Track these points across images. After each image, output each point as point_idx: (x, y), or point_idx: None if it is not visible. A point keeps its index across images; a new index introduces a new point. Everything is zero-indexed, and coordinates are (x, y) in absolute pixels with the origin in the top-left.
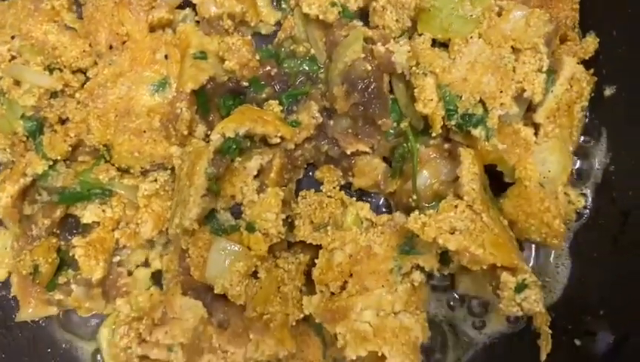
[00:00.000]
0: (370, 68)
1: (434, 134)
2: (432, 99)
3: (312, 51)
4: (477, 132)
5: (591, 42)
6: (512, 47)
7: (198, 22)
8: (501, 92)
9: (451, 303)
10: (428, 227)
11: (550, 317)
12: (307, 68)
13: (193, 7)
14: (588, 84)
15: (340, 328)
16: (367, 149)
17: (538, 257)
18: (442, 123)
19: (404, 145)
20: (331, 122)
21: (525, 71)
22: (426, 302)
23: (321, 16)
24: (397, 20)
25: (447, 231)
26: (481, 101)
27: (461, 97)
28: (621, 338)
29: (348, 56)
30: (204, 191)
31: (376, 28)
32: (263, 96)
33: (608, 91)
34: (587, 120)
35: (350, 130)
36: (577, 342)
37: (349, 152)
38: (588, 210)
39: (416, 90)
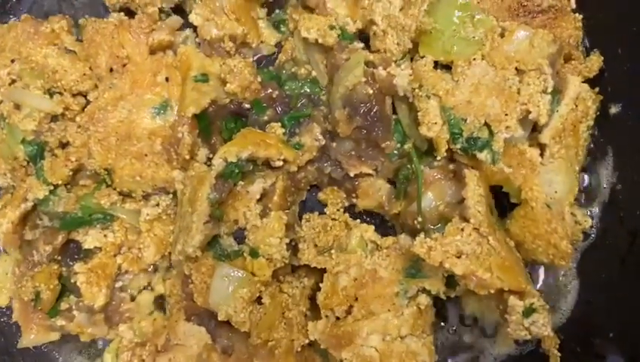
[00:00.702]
0: (371, 91)
1: (438, 158)
2: (436, 123)
3: (314, 73)
4: (483, 156)
5: (595, 60)
6: (516, 68)
7: (199, 43)
8: (506, 115)
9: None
10: (434, 251)
11: (559, 339)
12: (309, 90)
13: (194, 28)
14: (593, 103)
15: (345, 353)
16: (371, 171)
17: (547, 276)
18: (447, 146)
19: (408, 166)
20: (334, 144)
21: (530, 92)
22: (432, 324)
23: (320, 40)
24: (398, 44)
25: (454, 255)
26: (486, 124)
27: (466, 120)
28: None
29: (349, 81)
30: (206, 218)
31: (377, 52)
32: (265, 118)
33: (614, 109)
34: (593, 138)
35: (353, 153)
36: None
37: (352, 174)
38: (595, 230)
39: (419, 114)
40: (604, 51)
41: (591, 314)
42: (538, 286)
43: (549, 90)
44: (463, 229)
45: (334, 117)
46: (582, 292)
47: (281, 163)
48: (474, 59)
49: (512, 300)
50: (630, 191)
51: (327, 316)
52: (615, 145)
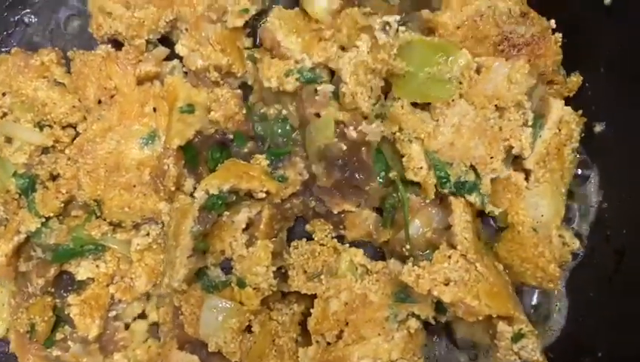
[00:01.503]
0: (345, 147)
1: (428, 200)
2: (421, 167)
3: (284, 112)
4: (472, 198)
5: (575, 81)
6: (495, 105)
7: (186, 73)
8: (491, 158)
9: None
10: (422, 279)
11: (549, 358)
12: (280, 130)
13: (181, 58)
14: (577, 125)
15: None
16: (354, 209)
17: (539, 295)
18: (435, 189)
19: (394, 195)
20: (315, 184)
21: (511, 128)
22: (422, 347)
23: (281, 88)
24: (369, 97)
25: (442, 282)
26: (472, 166)
27: (451, 164)
28: None
29: (320, 141)
30: (190, 252)
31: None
32: (245, 150)
33: (598, 127)
34: (578, 158)
35: (335, 192)
36: None
37: (335, 212)
38: (583, 250)
39: (404, 159)
40: (586, 70)
41: (580, 332)
42: (533, 302)
43: (530, 122)
44: (450, 256)
45: (312, 169)
46: (571, 311)
47: (263, 195)
48: (452, 100)
49: (501, 326)
50: (616, 209)
51: (317, 341)
52: (600, 164)
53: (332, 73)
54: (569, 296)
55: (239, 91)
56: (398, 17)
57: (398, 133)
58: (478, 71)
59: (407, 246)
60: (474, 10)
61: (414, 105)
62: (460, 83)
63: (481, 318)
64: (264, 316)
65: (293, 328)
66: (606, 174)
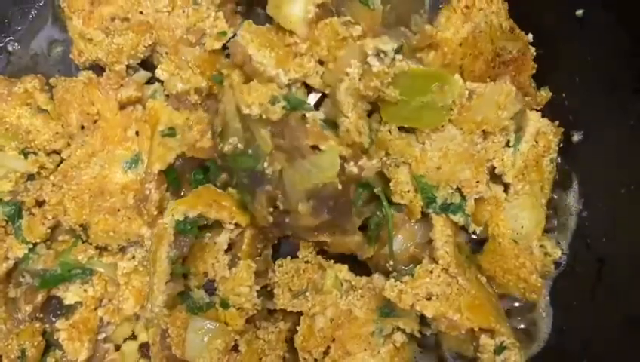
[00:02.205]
0: (341, 186)
1: (412, 221)
2: (408, 191)
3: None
4: (457, 218)
5: (544, 96)
6: (482, 130)
7: (167, 96)
8: (477, 181)
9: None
10: (405, 294)
11: None
12: (245, 165)
13: (162, 81)
14: (555, 135)
15: None
16: (329, 240)
17: (524, 306)
18: (421, 211)
19: (377, 213)
20: (287, 220)
21: (495, 150)
22: (410, 360)
23: (264, 116)
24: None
25: (424, 297)
26: (458, 188)
27: (438, 187)
28: None
29: (318, 179)
30: (167, 278)
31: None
32: (217, 183)
33: (576, 137)
34: (558, 167)
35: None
36: None
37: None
38: (565, 259)
39: (391, 183)
40: (562, 81)
41: (564, 341)
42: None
43: (512, 143)
44: (432, 271)
45: (295, 209)
46: (555, 320)
47: (232, 227)
48: (442, 126)
49: (483, 339)
50: (595, 217)
51: (305, 358)
52: (579, 173)
53: (308, 91)
54: (552, 305)
55: None
56: (395, 45)
57: (384, 158)
58: (469, 97)
59: (391, 262)
60: (473, 27)
61: (400, 128)
62: (451, 109)
63: (463, 332)
64: (250, 335)
65: (279, 346)
66: (585, 183)
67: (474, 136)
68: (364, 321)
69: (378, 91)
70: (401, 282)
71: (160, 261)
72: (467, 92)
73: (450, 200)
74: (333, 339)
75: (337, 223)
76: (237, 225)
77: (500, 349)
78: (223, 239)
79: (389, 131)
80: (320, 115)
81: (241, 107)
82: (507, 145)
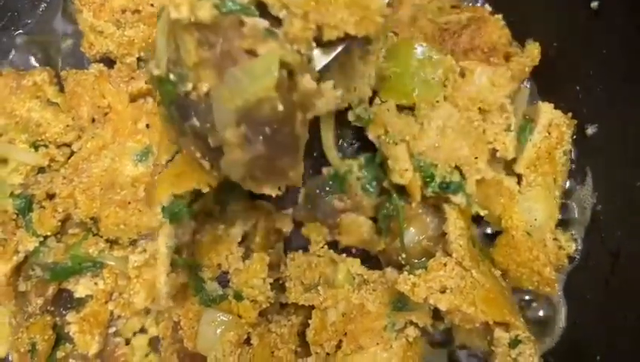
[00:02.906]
0: (282, 108)
1: (414, 204)
2: (407, 169)
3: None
4: (457, 199)
5: (533, 48)
6: (479, 108)
7: None
8: (476, 158)
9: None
10: (418, 288)
11: None
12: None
13: None
14: (568, 127)
15: None
16: (274, 193)
17: (540, 300)
18: (421, 192)
19: (387, 204)
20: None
21: (495, 131)
22: (422, 356)
23: (192, 19)
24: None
25: (438, 290)
26: (457, 167)
27: (436, 165)
28: None
29: (251, 92)
30: (168, 269)
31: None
32: None
33: (590, 130)
34: (572, 161)
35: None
36: None
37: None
38: (579, 252)
39: (389, 161)
40: (577, 74)
41: (578, 336)
42: (532, 308)
43: (512, 127)
44: (445, 264)
45: (220, 134)
46: (569, 315)
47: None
48: (437, 101)
49: (498, 332)
50: (610, 211)
51: (317, 352)
52: (594, 166)
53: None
54: (567, 299)
55: None
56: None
57: (383, 136)
58: (462, 74)
59: (403, 255)
60: (414, 8)
61: (400, 110)
62: (445, 85)
63: (478, 325)
64: (263, 328)
65: (291, 339)
66: (600, 176)
67: (471, 114)
68: (377, 315)
69: (375, 66)
70: (414, 275)
71: (159, 253)
72: (459, 69)
73: (450, 178)
74: (345, 333)
75: (277, 161)
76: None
77: (514, 343)
78: (237, 231)
79: (388, 110)
80: (264, 23)
81: (171, 12)
82: (508, 129)
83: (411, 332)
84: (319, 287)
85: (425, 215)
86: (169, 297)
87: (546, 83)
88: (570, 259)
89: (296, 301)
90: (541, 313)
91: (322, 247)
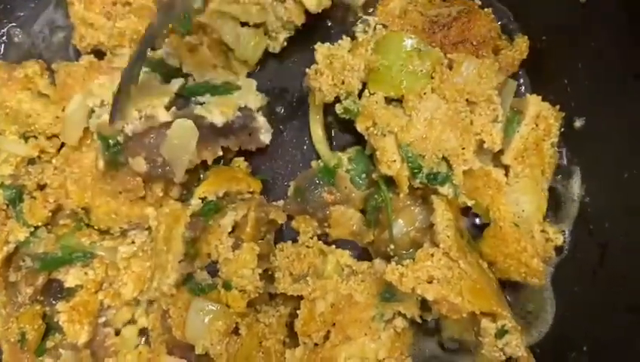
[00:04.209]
0: None
1: (401, 195)
2: (394, 161)
3: None
4: (444, 190)
5: (522, 42)
6: (466, 100)
7: None
8: (463, 148)
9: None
10: (405, 278)
11: (536, 354)
12: None
13: None
14: (555, 120)
15: None
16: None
17: (527, 292)
18: (408, 183)
19: (376, 196)
20: None
21: (482, 123)
22: (410, 346)
23: None
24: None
25: (425, 280)
26: (444, 158)
27: (424, 156)
28: None
29: None
30: (181, 257)
31: None
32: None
33: (578, 123)
34: (560, 153)
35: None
36: None
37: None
38: (567, 244)
39: (377, 153)
40: (564, 68)
41: (566, 328)
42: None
43: (500, 119)
44: (433, 255)
45: None
46: (557, 307)
47: (250, 195)
48: (424, 93)
49: (485, 322)
50: (598, 203)
51: (305, 343)
52: (582, 159)
53: None
54: (554, 292)
55: None
56: (377, 18)
57: (371, 128)
58: (450, 66)
59: (392, 246)
60: (404, 1)
61: (388, 102)
62: (432, 77)
63: (465, 315)
64: (251, 318)
65: (280, 330)
66: (588, 168)
67: (458, 105)
68: (365, 306)
69: (364, 59)
70: (402, 265)
71: (176, 240)
72: (446, 61)
73: (437, 169)
74: (334, 324)
75: None
76: (252, 192)
77: (501, 333)
78: (228, 221)
79: (376, 102)
80: None
81: None
82: (495, 120)
83: (399, 323)
84: (308, 278)
85: (413, 206)
86: (176, 284)
87: (534, 76)
88: (558, 250)
89: (284, 291)
90: (528, 306)
91: (312, 238)
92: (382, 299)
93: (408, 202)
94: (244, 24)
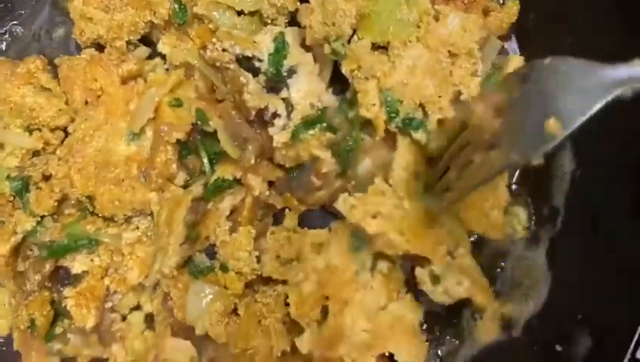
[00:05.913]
0: None
1: (377, 137)
2: (374, 104)
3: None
4: (418, 135)
5: (512, 5)
6: (448, 51)
7: (167, 70)
8: (439, 97)
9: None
10: (355, 209)
11: (532, 326)
12: None
13: (162, 56)
14: None
15: (342, 349)
16: None
17: (522, 266)
18: (385, 126)
19: (348, 138)
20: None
21: (461, 75)
22: (403, 283)
23: None
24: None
25: (372, 215)
26: (421, 105)
27: (402, 102)
28: (598, 342)
29: None
30: (182, 240)
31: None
32: None
33: None
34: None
35: None
36: (558, 348)
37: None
38: (561, 217)
39: (359, 95)
40: (552, 39)
41: (561, 298)
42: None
43: (479, 73)
44: (384, 193)
45: None
46: (552, 280)
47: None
48: (410, 41)
49: (418, 271)
50: (588, 175)
51: (307, 324)
52: (573, 131)
53: None
54: (549, 264)
55: None
56: None
57: (356, 72)
58: (436, 18)
59: (353, 183)
60: None
61: (374, 48)
62: (419, 27)
63: (400, 253)
64: (249, 298)
65: (278, 309)
66: (578, 141)
67: (440, 55)
68: (344, 266)
69: (356, 5)
70: (353, 198)
71: (177, 223)
72: (434, 12)
73: (413, 115)
74: (327, 297)
75: None
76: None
77: (435, 279)
78: (226, 205)
79: (363, 47)
80: None
81: None
82: (474, 74)
83: (383, 266)
84: (294, 263)
85: (384, 148)
86: (177, 266)
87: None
88: (552, 223)
89: (270, 274)
90: (523, 279)
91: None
92: (355, 251)
93: (380, 144)
94: (240, 13)
